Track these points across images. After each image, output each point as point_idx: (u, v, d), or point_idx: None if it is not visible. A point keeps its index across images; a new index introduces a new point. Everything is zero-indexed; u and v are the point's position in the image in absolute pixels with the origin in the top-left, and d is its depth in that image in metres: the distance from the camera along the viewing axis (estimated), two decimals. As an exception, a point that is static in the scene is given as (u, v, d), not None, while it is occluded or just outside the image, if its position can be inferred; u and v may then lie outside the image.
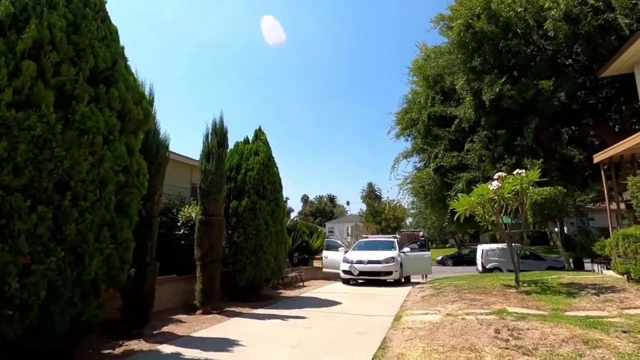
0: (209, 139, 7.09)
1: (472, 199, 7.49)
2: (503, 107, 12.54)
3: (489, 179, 13.04)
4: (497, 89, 11.98)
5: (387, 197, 52.02)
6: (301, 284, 11.35)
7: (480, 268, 20.66)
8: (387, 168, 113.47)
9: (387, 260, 10.87)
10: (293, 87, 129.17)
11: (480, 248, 21.37)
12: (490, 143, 12.98)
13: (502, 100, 12.34)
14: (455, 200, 8.14)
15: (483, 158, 12.86)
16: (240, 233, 7.46)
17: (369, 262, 10.88)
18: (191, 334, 5.07)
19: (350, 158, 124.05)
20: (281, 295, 9.09)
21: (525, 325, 4.60)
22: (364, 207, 59.10)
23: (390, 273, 10.73)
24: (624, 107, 14.09)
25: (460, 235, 35.88)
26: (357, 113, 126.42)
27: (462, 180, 13.16)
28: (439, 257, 33.02)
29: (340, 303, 7.58)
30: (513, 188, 7.13)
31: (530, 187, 7.09)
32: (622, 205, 11.01)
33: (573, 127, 14.97)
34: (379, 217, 42.96)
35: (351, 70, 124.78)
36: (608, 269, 9.82)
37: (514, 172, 7.16)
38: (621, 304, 5.71)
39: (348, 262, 11.15)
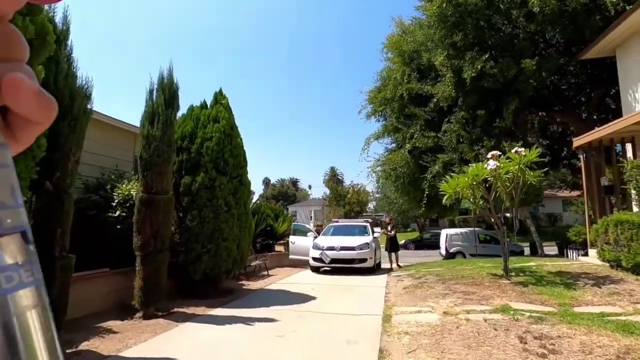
0: (154, 97, 5.55)
1: (466, 179, 6.65)
2: (483, 86, 11.91)
3: (466, 161, 12.51)
4: (479, 66, 11.27)
5: (352, 181, 51.81)
6: (266, 272, 10.17)
7: (443, 252, 20.68)
8: (350, 152, 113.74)
9: (361, 247, 9.97)
10: (253, 64, 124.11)
11: (445, 232, 21.37)
12: (467, 124, 12.38)
13: (482, 79, 11.68)
14: (444, 182, 7.29)
15: (461, 139, 12.24)
16: (195, 216, 6.08)
17: (342, 248, 9.91)
18: (121, 353, 3.72)
19: (313, 141, 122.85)
20: (244, 287, 7.85)
21: (552, 331, 3.79)
22: (327, 191, 58.64)
23: (364, 260, 9.85)
24: (592, 95, 14.09)
25: (423, 219, 36.41)
26: (322, 94, 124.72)
27: (438, 162, 12.50)
28: (402, 241, 33.26)
29: (314, 298, 6.51)
30: (511, 168, 6.37)
31: (527, 169, 6.40)
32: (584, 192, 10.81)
33: (542, 112, 14.85)
34: (343, 201, 42.56)
35: (316, 48, 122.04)
36: (584, 255, 9.63)
37: (513, 151, 6.38)
38: (631, 297, 5.16)
39: (319, 248, 10.12)
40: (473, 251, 19.43)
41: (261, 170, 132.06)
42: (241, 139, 7.25)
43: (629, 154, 9.85)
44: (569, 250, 11.29)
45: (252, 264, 9.71)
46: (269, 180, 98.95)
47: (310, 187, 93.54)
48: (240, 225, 6.78)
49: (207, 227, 6.06)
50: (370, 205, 49.39)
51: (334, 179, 75.80)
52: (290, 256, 12.15)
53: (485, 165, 6.32)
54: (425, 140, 13.18)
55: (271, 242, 13.50)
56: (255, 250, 12.91)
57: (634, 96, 9.95)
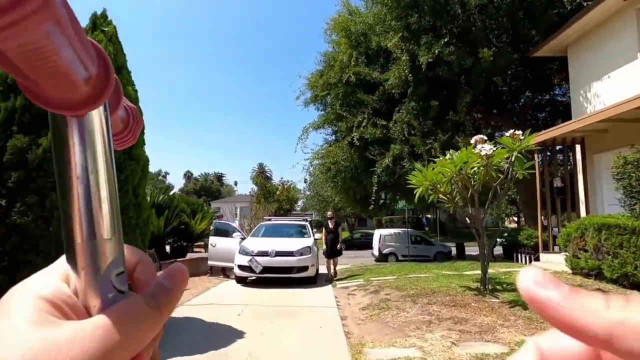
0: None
1: (450, 168, 5.10)
2: (437, 76, 10.90)
3: (417, 155, 11.41)
4: (437, 51, 10.18)
5: (281, 178, 49.67)
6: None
7: (376, 253, 19.84)
8: (279, 149, 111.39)
9: (301, 252, 8.00)
10: (174, 47, 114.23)
11: (378, 233, 20.57)
12: (419, 116, 11.27)
13: (438, 67, 10.65)
14: (426, 170, 5.66)
15: (412, 131, 11.06)
16: (33, 205, 3.45)
17: (278, 254, 7.83)
18: None
19: (240, 135, 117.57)
20: (133, 315, 5.31)
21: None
22: (254, 188, 55.59)
23: (305, 269, 7.90)
24: (528, 97, 14.21)
25: (353, 219, 35.97)
26: (253, 87, 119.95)
27: (388, 155, 11.15)
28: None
29: (241, 334, 4.34)
30: (505, 156, 5.00)
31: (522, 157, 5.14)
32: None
33: (479, 114, 14.63)
34: (271, 197, 40.20)
35: (247, 33, 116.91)
36: (536, 259, 9.01)
37: (508, 134, 5.02)
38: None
39: (247, 253, 7.90)
40: (405, 252, 18.88)
41: (183, 163, 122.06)
42: (136, 91, 4.73)
43: (578, 155, 9.58)
44: (519, 255, 10.78)
45: (154, 275, 7.10)
46: (191, 174, 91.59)
47: (236, 183, 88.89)
48: (125, 223, 4.30)
49: (55, 225, 3.48)
50: (300, 203, 47.85)
51: (262, 176, 72.63)
52: (210, 262, 9.68)
53: (479, 150, 4.84)
54: (373, 130, 11.75)
55: (185, 244, 10.80)
56: (161, 255, 10.12)
57: (585, 96, 9.71)
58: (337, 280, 9.07)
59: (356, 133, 11.82)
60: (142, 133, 4.65)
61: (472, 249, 23.69)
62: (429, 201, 6.16)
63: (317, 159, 15.03)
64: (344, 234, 34.12)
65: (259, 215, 19.28)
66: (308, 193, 36.48)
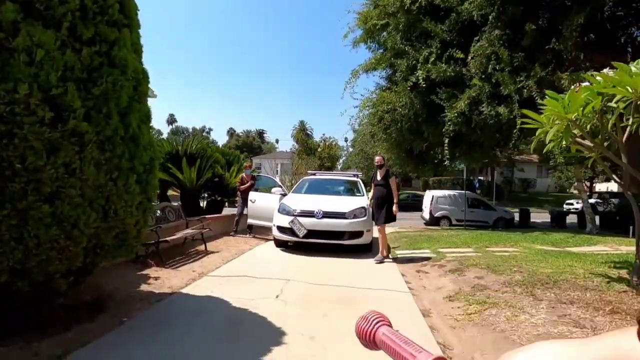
0: None
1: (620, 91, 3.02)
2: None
3: (501, 97, 9.04)
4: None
5: (323, 134, 47.84)
6: (203, 249, 6.43)
7: (427, 216, 17.98)
8: (321, 107, 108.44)
9: (354, 213, 6.40)
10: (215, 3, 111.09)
11: (430, 194, 18.56)
12: (505, 46, 8.70)
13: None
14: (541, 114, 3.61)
15: (497, 67, 8.59)
16: None
17: (325, 215, 6.28)
18: None
19: (282, 93, 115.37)
20: (142, 290, 4.06)
21: None
22: (295, 145, 54.35)
23: (359, 234, 6.33)
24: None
25: (398, 179, 33.89)
26: (295, 44, 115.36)
27: (463, 98, 8.88)
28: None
29: (281, 335, 2.89)
30: None
31: None
32: None
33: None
34: (313, 155, 38.82)
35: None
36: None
37: None
38: None
39: (288, 213, 6.45)
40: (461, 216, 16.85)
41: (227, 120, 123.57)
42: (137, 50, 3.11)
43: None
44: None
45: (178, 235, 5.87)
46: (234, 131, 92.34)
47: (277, 141, 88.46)
48: (109, 165, 2.84)
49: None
50: (341, 161, 46.15)
51: (303, 133, 71.29)
52: (249, 221, 8.46)
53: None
54: (443, 67, 9.40)
55: (220, 198, 9.65)
56: (194, 210, 9.06)
57: None
58: (394, 247, 7.48)
59: (421, 71, 9.54)
60: (127, 28, 3.05)
61: (536, 216, 20.99)
62: (551, 149, 4.13)
63: (367, 106, 12.96)
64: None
65: (301, 171, 17.89)
66: (351, 150, 34.47)
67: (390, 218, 6.04)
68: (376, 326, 0.60)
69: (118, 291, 3.87)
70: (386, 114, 12.03)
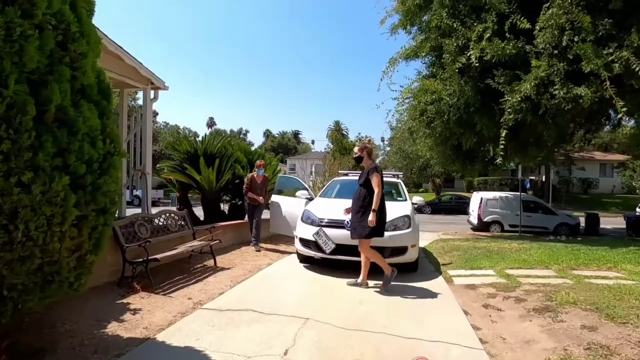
0: None
1: None
2: None
3: (580, 75, 7.23)
4: None
5: (359, 133, 46.33)
6: (212, 264, 5.39)
7: (474, 220, 16.03)
8: (356, 107, 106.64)
9: (396, 224, 5.05)
10: (251, 6, 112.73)
11: (479, 196, 16.56)
12: (585, 11, 6.89)
13: None
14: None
15: (574, 39, 6.83)
16: None
17: (359, 225, 4.99)
18: None
19: (319, 94, 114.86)
20: (107, 333, 2.99)
21: None
22: (330, 145, 53.18)
23: (402, 251, 4.96)
24: None
25: (439, 179, 31.52)
26: (330, 45, 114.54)
27: (528, 79, 7.18)
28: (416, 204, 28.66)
29: None
30: None
31: None
32: None
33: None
34: (348, 155, 37.49)
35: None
36: None
37: None
38: None
39: (312, 222, 5.22)
40: (515, 221, 14.83)
41: (264, 121, 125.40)
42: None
43: None
44: None
45: (174, 250, 4.85)
46: (270, 132, 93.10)
47: (313, 142, 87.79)
48: (12, 162, 1.79)
49: None
50: (378, 161, 44.31)
51: (338, 133, 70.02)
52: (271, 229, 7.38)
53: None
54: (501, 44, 7.75)
55: (241, 202, 8.67)
56: (214, 216, 8.15)
57: None
58: (445, 265, 6.03)
59: (473, 50, 7.95)
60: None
61: (604, 221, 18.14)
62: None
63: (407, 98, 11.46)
64: (428, 196, 29.99)
65: (333, 171, 16.63)
66: (388, 149, 32.66)
67: (377, 231, 4.35)
68: None
69: (74, 333, 2.86)
70: (430, 105, 10.50)
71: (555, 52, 7.14)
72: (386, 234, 4.88)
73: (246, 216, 7.50)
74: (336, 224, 5.06)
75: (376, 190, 4.26)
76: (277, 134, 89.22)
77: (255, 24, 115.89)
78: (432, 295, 4.27)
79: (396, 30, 11.75)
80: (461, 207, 25.49)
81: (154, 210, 6.08)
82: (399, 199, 6.30)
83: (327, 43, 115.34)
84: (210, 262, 5.47)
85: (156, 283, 4.29)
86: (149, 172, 6.87)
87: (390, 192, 6.78)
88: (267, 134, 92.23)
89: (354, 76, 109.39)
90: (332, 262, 5.16)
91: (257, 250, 6.64)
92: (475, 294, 4.25)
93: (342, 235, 4.93)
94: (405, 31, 11.92)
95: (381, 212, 4.34)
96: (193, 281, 4.58)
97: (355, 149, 4.81)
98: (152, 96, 7.01)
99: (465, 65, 8.65)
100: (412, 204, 6.06)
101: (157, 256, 4.09)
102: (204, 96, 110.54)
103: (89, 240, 2.37)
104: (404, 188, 6.62)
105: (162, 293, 4.00)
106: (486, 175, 34.48)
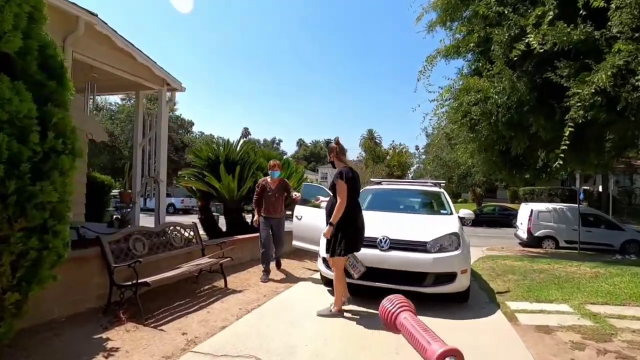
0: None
1: None
2: None
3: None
4: None
5: (392, 141, 44.92)
6: (223, 285, 4.67)
7: (524, 235, 14.35)
8: (388, 117, 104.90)
9: (441, 244, 4.06)
10: (277, 23, 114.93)
11: (528, 208, 14.87)
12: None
13: None
14: None
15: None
16: None
17: (394, 245, 4.05)
18: None
19: (350, 103, 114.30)
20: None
21: None
22: (362, 154, 52.03)
23: (450, 277, 3.94)
24: None
25: (480, 189, 29.37)
26: (363, 59, 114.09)
27: (603, 68, 5.94)
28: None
29: None
30: None
31: None
32: None
33: None
34: (382, 163, 36.23)
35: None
36: None
37: None
38: None
39: (339, 239, 4.35)
40: (573, 237, 13.02)
41: (296, 131, 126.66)
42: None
43: None
44: None
45: (185, 267, 4.17)
46: (303, 142, 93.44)
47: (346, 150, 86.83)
48: None
49: None
50: (412, 169, 42.57)
51: (371, 141, 68.84)
52: (294, 242, 6.55)
53: None
54: (565, 29, 6.56)
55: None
56: (238, 227, 7.54)
57: None
58: (502, 294, 4.92)
59: (532, 36, 6.80)
60: None
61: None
62: None
63: (447, 97, 10.36)
64: (468, 207, 27.88)
65: (367, 179, 15.70)
66: (424, 157, 31.04)
67: (351, 245, 3.70)
68: (399, 310, 0.73)
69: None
70: (474, 106, 9.36)
71: (636, 34, 5.86)
72: (429, 256, 3.93)
73: (260, 230, 5.32)
74: (367, 243, 4.16)
75: (339, 201, 3.62)
76: (310, 143, 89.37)
77: (289, 35, 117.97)
78: (492, 341, 3.25)
79: (434, 27, 10.78)
80: (505, 220, 23.49)
81: (173, 220, 5.50)
82: (442, 211, 5.28)
83: (358, 53, 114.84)
84: (221, 283, 4.76)
85: (151, 310, 3.61)
86: (163, 180, 6.35)
87: (430, 203, 5.80)
88: (300, 143, 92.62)
89: (390, 85, 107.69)
90: (365, 287, 4.26)
91: (263, 281, 5.02)
92: (552, 342, 3.17)
93: (374, 256, 4.03)
94: (445, 27, 10.87)
95: (354, 223, 3.72)
96: (195, 308, 3.86)
97: (331, 146, 4.02)
98: (167, 98, 6.54)
99: (519, 57, 7.50)
100: (459, 218, 5.03)
101: (148, 279, 3.40)
102: (240, 106, 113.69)
103: (10, 272, 1.68)
104: (448, 199, 5.59)
105: (152, 324, 3.30)
106: (533, 184, 31.85)
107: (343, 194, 3.64)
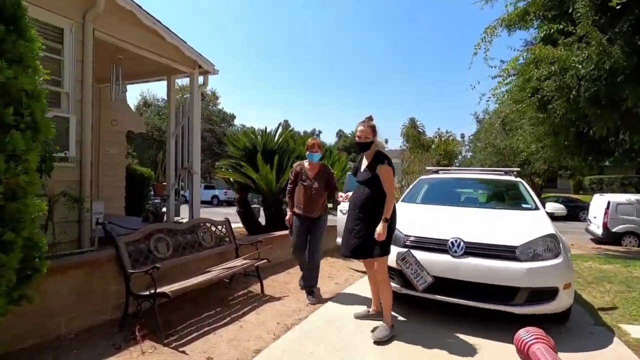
0: None
1: None
2: None
3: None
4: None
5: (438, 129, 42.52)
6: (259, 290, 4.06)
7: (598, 230, 12.55)
8: (430, 104, 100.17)
9: (534, 249, 3.08)
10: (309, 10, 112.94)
11: (604, 200, 12.97)
12: None
13: None
14: None
15: None
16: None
17: (472, 249, 3.15)
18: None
19: (392, 92, 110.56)
20: None
21: None
22: (405, 143, 49.77)
23: (550, 294, 2.97)
24: None
25: (540, 179, 26.65)
26: (402, 39, 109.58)
27: None
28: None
29: None
30: None
31: None
32: None
33: None
34: (427, 152, 34.30)
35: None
36: None
37: None
38: None
39: (395, 240, 3.50)
40: (654, 233, 11.20)
41: (336, 122, 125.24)
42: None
43: None
44: None
45: (214, 272, 3.58)
46: (343, 132, 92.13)
47: (387, 140, 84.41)
48: None
49: None
50: (459, 158, 39.94)
51: (414, 130, 66.07)
52: (339, 239, 5.79)
53: None
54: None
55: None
56: (277, 221, 6.98)
57: None
58: (606, 310, 3.84)
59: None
60: None
61: None
62: None
63: (512, 74, 9.00)
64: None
65: (413, 169, 14.51)
66: (474, 145, 28.64)
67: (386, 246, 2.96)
68: (533, 341, 0.69)
69: None
70: (546, 80, 8.01)
71: None
72: (521, 265, 3.00)
73: (293, 232, 4.07)
74: (434, 246, 3.30)
75: (389, 190, 2.99)
76: (350, 133, 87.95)
77: (329, 23, 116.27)
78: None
79: (492, -4, 9.39)
80: (571, 212, 21.10)
81: (215, 212, 5.00)
82: (524, 206, 4.24)
83: (402, 40, 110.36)
84: (257, 287, 4.15)
85: (174, 323, 3.05)
86: (197, 171, 5.87)
87: (506, 195, 4.76)
88: (340, 134, 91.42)
89: (431, 73, 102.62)
90: (418, 303, 3.41)
91: (311, 304, 3.79)
92: None
93: (445, 264, 3.17)
94: (504, -2, 9.40)
95: (392, 220, 3.01)
96: (226, 320, 3.26)
97: (360, 128, 3.12)
98: (200, 82, 6.02)
99: (610, 16, 6.08)
100: (547, 213, 3.97)
101: (168, 290, 2.82)
102: (280, 98, 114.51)
103: None
104: (529, 190, 4.53)
105: (173, 344, 2.73)
106: (601, 173, 28.38)
107: (392, 183, 3.04)
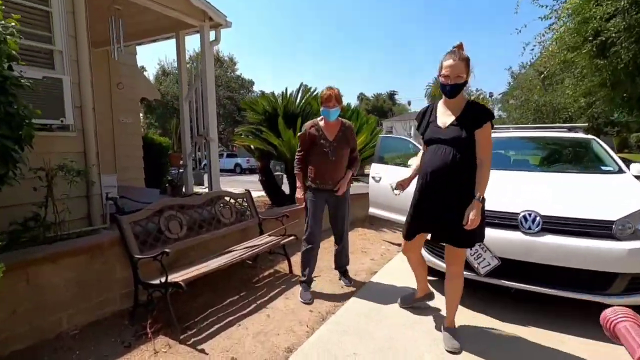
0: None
1: None
2: None
3: None
4: None
5: (468, 86, 40.03)
6: (286, 269, 3.62)
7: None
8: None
9: (635, 224, 2.43)
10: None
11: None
12: None
13: None
14: None
15: None
16: None
17: (551, 224, 2.50)
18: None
19: (413, 49, 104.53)
20: None
21: None
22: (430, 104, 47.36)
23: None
24: None
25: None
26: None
27: None
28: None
29: None
30: None
31: None
32: None
33: None
34: (454, 112, 32.47)
35: None
36: None
37: None
38: None
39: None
40: None
41: (357, 86, 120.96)
42: None
43: None
44: None
45: (235, 253, 3.13)
46: (364, 95, 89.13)
47: (409, 102, 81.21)
48: None
49: None
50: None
51: (439, 91, 62.61)
52: (370, 209, 5.23)
53: None
54: None
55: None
56: (293, 193, 6.43)
57: None
58: None
59: None
60: None
61: None
62: None
63: (567, 14, 7.76)
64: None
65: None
66: (512, 102, 26.59)
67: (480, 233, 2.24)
68: (620, 319, 0.71)
69: None
70: (608, 21, 6.82)
71: None
72: (620, 245, 2.34)
73: (309, 212, 3.20)
74: (500, 220, 2.67)
75: (487, 159, 2.15)
76: (372, 96, 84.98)
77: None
78: None
79: None
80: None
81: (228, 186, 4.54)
82: (604, 169, 3.47)
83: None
84: (284, 265, 3.70)
85: (192, 313, 2.65)
86: (213, 138, 5.35)
87: (578, 157, 3.97)
88: (361, 97, 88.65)
89: (454, 29, 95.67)
90: (477, 287, 2.84)
91: (346, 286, 3.35)
92: None
93: (516, 243, 2.55)
94: None
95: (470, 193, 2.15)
96: (251, 308, 2.83)
97: (449, 62, 2.13)
98: (212, 37, 5.33)
99: None
100: (636, 177, 3.21)
101: (180, 278, 2.37)
102: (297, 62, 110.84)
103: None
104: (607, 149, 3.73)
105: (191, 341, 2.32)
106: (647, 129, 26.02)
107: (490, 146, 2.16)
